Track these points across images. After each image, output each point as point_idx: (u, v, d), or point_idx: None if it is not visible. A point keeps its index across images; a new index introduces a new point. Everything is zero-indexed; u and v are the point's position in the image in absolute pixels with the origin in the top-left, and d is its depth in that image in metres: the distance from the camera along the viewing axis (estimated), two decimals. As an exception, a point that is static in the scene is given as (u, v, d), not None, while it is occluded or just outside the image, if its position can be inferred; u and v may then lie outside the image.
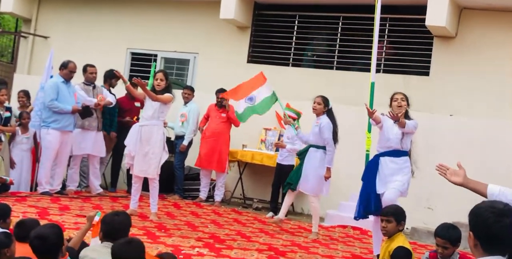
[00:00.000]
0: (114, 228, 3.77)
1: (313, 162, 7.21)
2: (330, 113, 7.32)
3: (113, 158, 9.69)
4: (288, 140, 8.59)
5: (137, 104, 9.59)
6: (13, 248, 3.59)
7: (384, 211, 5.01)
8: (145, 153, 7.19)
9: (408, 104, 6.19)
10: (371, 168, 6.14)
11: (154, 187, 7.32)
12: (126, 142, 7.45)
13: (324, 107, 7.28)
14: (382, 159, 6.06)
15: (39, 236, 3.51)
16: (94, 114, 8.64)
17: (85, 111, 8.50)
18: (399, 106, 6.11)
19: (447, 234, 4.45)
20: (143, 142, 7.20)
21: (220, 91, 9.39)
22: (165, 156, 7.39)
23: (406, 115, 6.16)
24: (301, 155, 7.48)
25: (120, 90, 9.61)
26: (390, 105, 6.21)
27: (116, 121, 9.40)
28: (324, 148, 7.20)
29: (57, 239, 3.54)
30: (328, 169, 7.14)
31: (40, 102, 8.57)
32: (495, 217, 2.51)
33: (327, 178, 7.15)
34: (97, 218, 4.08)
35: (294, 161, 8.57)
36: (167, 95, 7.28)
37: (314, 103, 7.32)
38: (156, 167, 7.27)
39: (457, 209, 7.45)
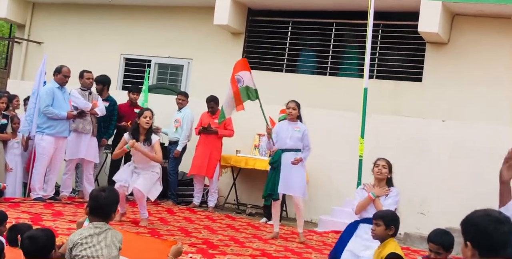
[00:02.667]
0: (99, 204, 3.77)
1: (294, 165, 7.25)
2: (300, 118, 7.43)
3: (111, 165, 9.65)
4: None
5: (137, 110, 9.59)
6: (5, 253, 3.61)
7: (374, 215, 5.01)
8: (140, 177, 7.18)
9: (390, 172, 5.65)
10: (348, 232, 5.65)
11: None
12: (115, 178, 7.38)
13: (298, 111, 7.34)
14: (361, 225, 5.61)
15: (30, 237, 3.53)
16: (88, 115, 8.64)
17: (79, 114, 8.52)
18: (379, 173, 5.62)
19: (440, 239, 4.46)
20: (136, 175, 7.21)
21: (211, 99, 9.39)
22: (159, 189, 7.34)
23: (389, 182, 5.68)
24: (275, 162, 7.29)
25: (119, 96, 9.63)
26: (373, 170, 5.72)
27: (112, 128, 9.37)
28: (300, 150, 7.33)
29: (47, 241, 3.55)
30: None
31: (31, 108, 8.55)
32: (494, 225, 2.50)
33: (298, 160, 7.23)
34: (86, 224, 4.09)
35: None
36: (159, 148, 7.27)
37: (289, 108, 7.32)
38: (156, 190, 7.27)
39: (450, 214, 7.48)
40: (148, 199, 7.36)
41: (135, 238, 4.62)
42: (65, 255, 3.74)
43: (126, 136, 7.30)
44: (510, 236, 2.53)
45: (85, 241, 3.56)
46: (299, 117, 7.41)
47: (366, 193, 5.57)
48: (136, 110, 9.55)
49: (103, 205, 3.75)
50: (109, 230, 3.68)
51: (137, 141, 7.15)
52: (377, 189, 5.57)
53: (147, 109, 7.46)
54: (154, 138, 7.28)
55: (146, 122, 7.13)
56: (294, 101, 7.39)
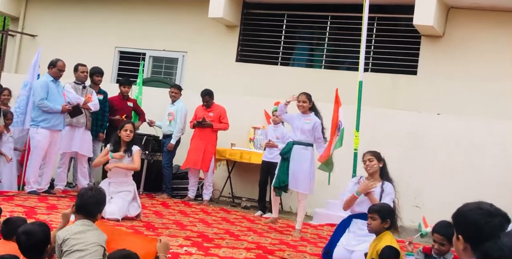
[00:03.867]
0: (84, 202, 3.82)
1: (303, 160, 7.17)
2: (315, 110, 7.33)
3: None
4: (278, 139, 8.60)
5: (130, 104, 9.57)
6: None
7: (370, 208, 5.03)
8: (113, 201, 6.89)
9: (380, 161, 5.69)
10: (341, 227, 5.77)
11: None
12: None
13: (309, 103, 7.27)
14: (354, 220, 5.71)
15: (26, 232, 3.52)
16: (83, 112, 8.60)
17: (74, 110, 8.46)
18: (369, 169, 5.66)
19: (446, 231, 4.48)
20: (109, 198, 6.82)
21: (206, 93, 9.34)
22: (137, 207, 7.09)
23: (383, 172, 5.73)
24: (286, 153, 7.20)
25: (111, 89, 9.59)
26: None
27: (106, 120, 9.32)
28: (311, 145, 7.22)
29: (43, 236, 3.55)
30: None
31: (22, 100, 8.50)
32: (485, 218, 2.48)
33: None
34: (72, 217, 4.09)
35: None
36: (138, 158, 7.20)
37: (300, 102, 7.25)
38: (133, 209, 7.08)
39: (445, 207, 7.47)
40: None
41: (124, 233, 4.62)
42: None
43: (108, 146, 7.29)
44: (502, 229, 2.52)
45: (75, 237, 3.61)
46: (313, 110, 7.31)
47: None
48: (129, 104, 9.56)
49: (87, 204, 3.82)
50: (96, 230, 3.71)
51: (118, 151, 7.15)
52: (363, 185, 5.61)
53: (129, 122, 7.41)
54: (135, 148, 7.24)
55: (126, 136, 7.12)
56: (305, 93, 7.31)
